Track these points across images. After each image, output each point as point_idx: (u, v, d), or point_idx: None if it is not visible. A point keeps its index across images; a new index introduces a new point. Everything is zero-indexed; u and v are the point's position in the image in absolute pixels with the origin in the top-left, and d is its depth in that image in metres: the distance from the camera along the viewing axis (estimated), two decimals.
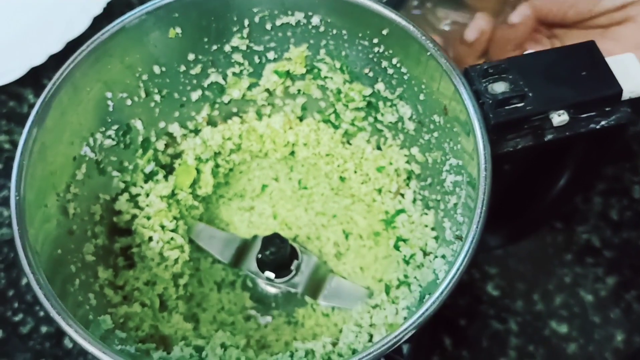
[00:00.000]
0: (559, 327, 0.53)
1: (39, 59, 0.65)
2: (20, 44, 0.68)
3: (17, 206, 0.35)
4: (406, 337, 0.31)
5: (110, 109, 0.44)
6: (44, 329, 0.55)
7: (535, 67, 0.37)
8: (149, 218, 0.47)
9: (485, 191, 0.34)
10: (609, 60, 0.37)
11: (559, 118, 0.36)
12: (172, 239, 0.46)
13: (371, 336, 0.42)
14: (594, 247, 0.56)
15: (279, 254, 0.47)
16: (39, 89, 0.67)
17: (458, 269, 0.33)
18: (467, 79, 0.37)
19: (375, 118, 0.49)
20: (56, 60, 0.66)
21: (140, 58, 0.44)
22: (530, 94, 0.36)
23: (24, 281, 0.57)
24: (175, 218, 0.48)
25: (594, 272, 0.55)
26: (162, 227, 0.47)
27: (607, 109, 0.37)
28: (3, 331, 0.55)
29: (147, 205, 0.48)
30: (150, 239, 0.46)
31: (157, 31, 0.44)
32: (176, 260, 0.46)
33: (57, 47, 0.65)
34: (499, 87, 0.36)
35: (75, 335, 0.32)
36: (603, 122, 0.37)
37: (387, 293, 0.44)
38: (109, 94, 0.44)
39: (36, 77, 0.66)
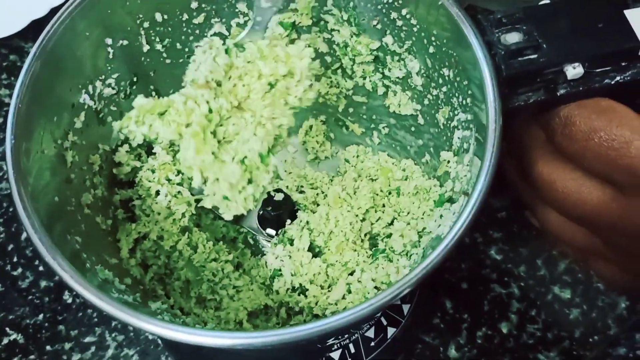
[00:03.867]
0: (562, 293, 0.52)
1: (41, 12, 0.64)
2: None
3: (12, 150, 0.34)
4: (408, 289, 0.30)
5: (110, 56, 0.43)
6: (43, 283, 0.54)
7: (551, 18, 0.36)
8: (153, 171, 0.46)
9: (495, 144, 0.33)
10: (628, 13, 0.36)
11: (574, 71, 0.35)
12: (179, 192, 0.45)
13: (366, 293, 0.41)
14: None
15: (281, 210, 0.46)
16: None
17: (463, 223, 0.32)
18: (480, 29, 0.36)
19: (383, 74, 0.48)
20: None
21: (141, 3, 0.43)
22: (545, 45, 0.35)
23: (24, 235, 0.57)
24: (179, 172, 0.47)
25: None
26: (169, 180, 0.46)
27: (623, 63, 0.36)
28: (2, 285, 0.54)
29: (151, 158, 0.47)
30: (158, 192, 0.45)
31: None
32: (183, 214, 0.46)
33: None
34: (512, 38, 0.35)
35: (71, 280, 0.31)
36: (618, 78, 0.36)
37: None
38: (108, 40, 0.42)
39: (38, 31, 0.63)
